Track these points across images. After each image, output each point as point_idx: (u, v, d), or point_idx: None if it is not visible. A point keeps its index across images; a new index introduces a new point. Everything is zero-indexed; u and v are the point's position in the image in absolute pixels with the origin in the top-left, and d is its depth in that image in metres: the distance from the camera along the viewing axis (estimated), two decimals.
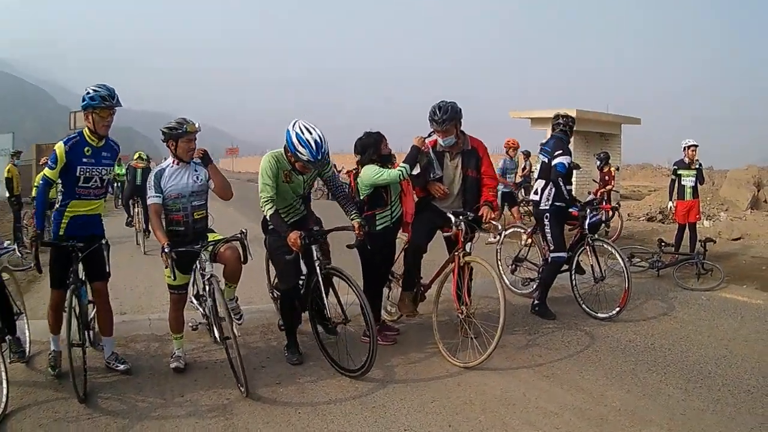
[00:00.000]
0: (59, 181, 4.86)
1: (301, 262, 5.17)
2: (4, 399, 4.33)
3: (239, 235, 4.94)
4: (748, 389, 5.04)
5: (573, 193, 8.69)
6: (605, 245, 7.15)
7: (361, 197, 5.69)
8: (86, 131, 4.86)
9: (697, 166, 10.00)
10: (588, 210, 7.05)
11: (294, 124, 4.93)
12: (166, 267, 4.78)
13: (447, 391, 4.85)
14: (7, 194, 13.96)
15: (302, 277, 5.25)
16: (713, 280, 8.90)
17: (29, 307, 6.10)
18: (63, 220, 4.89)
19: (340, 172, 8.84)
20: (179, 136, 4.96)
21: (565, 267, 7.19)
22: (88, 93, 4.74)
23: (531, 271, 7.85)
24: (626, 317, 7.00)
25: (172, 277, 5.00)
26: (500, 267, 8.25)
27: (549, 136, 7.40)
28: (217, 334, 4.85)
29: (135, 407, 4.58)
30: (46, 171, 4.84)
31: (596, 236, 7.27)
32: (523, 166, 15.58)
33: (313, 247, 4.99)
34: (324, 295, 5.03)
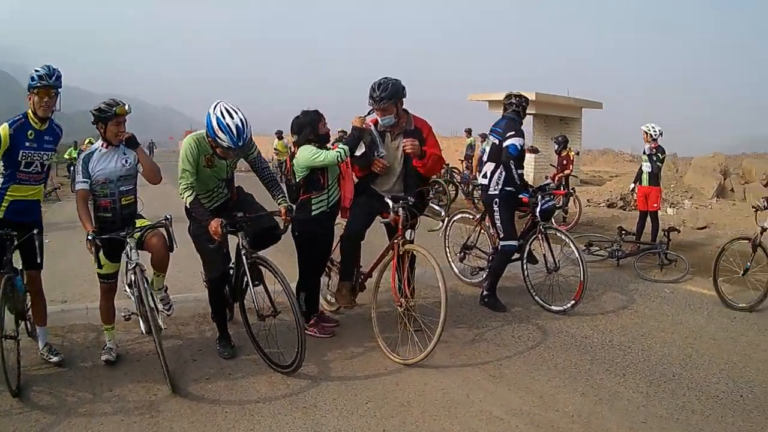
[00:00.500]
0: (1, 163, 4.82)
1: (230, 249, 5.14)
2: None
3: (164, 221, 4.96)
4: (716, 394, 4.83)
5: (530, 177, 8.35)
6: (558, 233, 7.04)
7: (297, 180, 5.64)
8: (29, 113, 4.84)
9: (647, 152, 9.93)
10: (540, 196, 6.93)
11: (215, 106, 4.85)
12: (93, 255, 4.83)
13: (384, 390, 4.73)
14: None
15: (231, 266, 5.21)
16: (677, 271, 8.82)
17: None
18: (3, 204, 4.87)
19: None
20: (109, 118, 4.92)
21: (517, 256, 7.12)
22: (31, 74, 4.75)
23: (480, 260, 7.76)
24: (582, 310, 6.87)
25: (98, 266, 5.04)
26: (448, 255, 8.21)
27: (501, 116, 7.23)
28: (143, 327, 4.84)
29: (65, 402, 4.55)
30: None
31: (549, 224, 7.18)
32: (482, 149, 15.30)
33: (239, 235, 4.96)
34: (252, 285, 4.94)
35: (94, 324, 5.93)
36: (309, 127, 5.60)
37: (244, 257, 4.95)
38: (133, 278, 4.88)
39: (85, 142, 12.39)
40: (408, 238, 5.39)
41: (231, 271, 5.22)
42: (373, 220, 5.81)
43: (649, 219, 10.19)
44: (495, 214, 6.87)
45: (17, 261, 4.93)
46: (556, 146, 14.44)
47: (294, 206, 5.38)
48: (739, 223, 13.61)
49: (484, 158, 7.25)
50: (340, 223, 6.08)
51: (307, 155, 5.49)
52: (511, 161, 6.72)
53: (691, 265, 8.98)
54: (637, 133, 10.09)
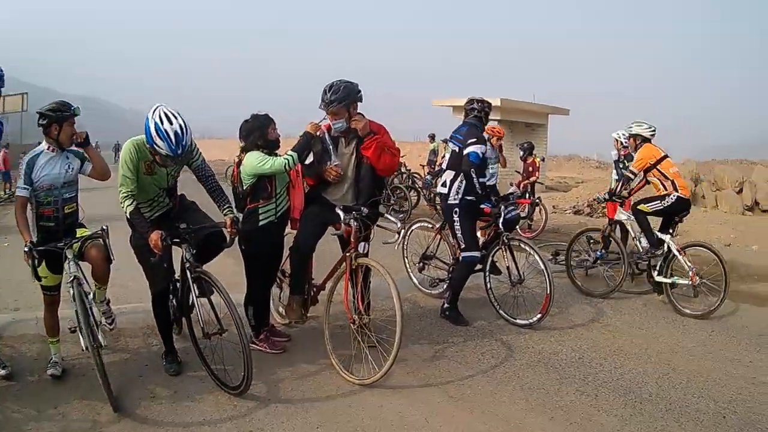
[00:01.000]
0: None
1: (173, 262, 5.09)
2: None
3: (100, 232, 4.92)
4: (696, 417, 4.67)
5: (495, 183, 8.20)
6: (522, 244, 6.93)
7: (244, 188, 5.57)
8: None
9: (615, 158, 10.04)
10: (502, 206, 6.87)
11: (154, 110, 4.68)
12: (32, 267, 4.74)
13: (336, 413, 4.60)
14: None
15: (178, 278, 5.17)
16: None
17: None
18: None
19: None
20: (65, 119, 4.89)
21: (480, 267, 7.06)
22: None
23: (440, 270, 7.69)
24: (550, 324, 6.75)
25: (36, 278, 4.90)
26: (407, 265, 8.13)
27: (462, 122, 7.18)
28: (83, 343, 4.64)
29: (10, 418, 4.49)
30: None
31: (513, 234, 7.12)
32: (443, 155, 15.35)
33: (183, 247, 4.90)
34: (197, 300, 4.87)
35: (44, 335, 5.74)
36: (258, 131, 5.52)
37: (188, 271, 4.86)
38: (71, 292, 4.73)
39: None
40: (361, 251, 5.31)
41: (178, 284, 5.15)
42: (324, 231, 5.71)
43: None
44: (455, 224, 6.80)
45: None
46: (522, 152, 14.42)
47: (240, 217, 5.30)
48: (712, 231, 13.77)
49: (444, 165, 7.18)
50: (291, 233, 5.97)
51: (254, 162, 5.40)
52: (472, 169, 6.64)
53: None
54: (605, 140, 10.30)
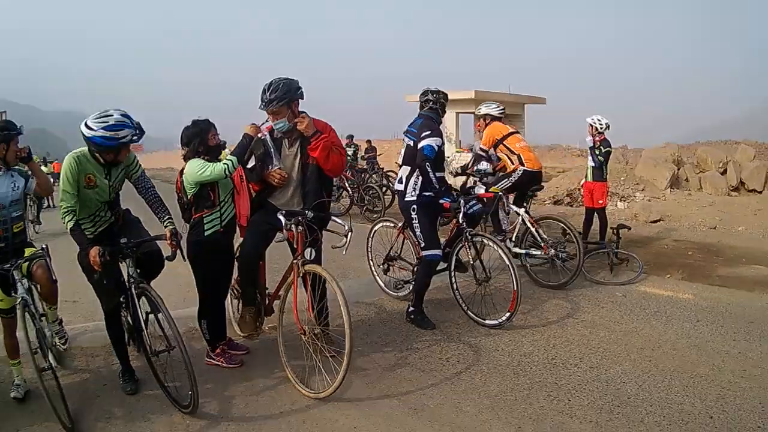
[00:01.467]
0: None
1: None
2: None
3: (40, 252, 5.02)
4: (681, 418, 4.44)
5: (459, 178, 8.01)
6: (486, 240, 6.76)
7: (188, 197, 5.53)
8: None
9: (590, 145, 10.00)
10: (462, 201, 6.76)
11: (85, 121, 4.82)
12: None
13: (290, 430, 4.51)
14: None
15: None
16: (630, 271, 8.65)
17: None
18: None
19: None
20: (12, 137, 5.01)
21: (445, 266, 6.97)
22: None
23: (405, 272, 7.59)
24: (521, 323, 6.61)
25: None
26: (372, 267, 8.09)
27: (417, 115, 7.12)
28: (33, 365, 4.64)
29: None
30: None
31: (476, 230, 7.02)
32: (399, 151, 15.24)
33: (127, 262, 4.91)
34: (142, 317, 4.87)
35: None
36: (198, 138, 5.46)
37: (131, 287, 4.88)
38: (18, 313, 4.86)
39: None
40: (308, 258, 5.20)
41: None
42: (270, 238, 5.69)
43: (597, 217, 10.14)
44: (414, 222, 6.71)
45: None
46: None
47: (176, 230, 5.23)
48: (697, 214, 13.72)
49: (399, 161, 7.13)
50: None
51: (195, 170, 5.35)
52: (428, 163, 6.54)
53: (645, 263, 8.81)
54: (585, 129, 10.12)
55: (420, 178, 6.66)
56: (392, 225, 7.86)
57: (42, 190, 5.48)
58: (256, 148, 5.56)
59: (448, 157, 24.34)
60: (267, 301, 5.99)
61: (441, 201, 6.72)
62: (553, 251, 7.86)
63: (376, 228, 8.15)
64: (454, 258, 6.92)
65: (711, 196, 15.69)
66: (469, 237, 6.73)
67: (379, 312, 7.16)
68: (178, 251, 5.10)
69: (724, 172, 16.92)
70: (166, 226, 5.10)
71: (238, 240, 5.92)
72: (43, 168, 23.21)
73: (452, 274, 6.93)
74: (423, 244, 6.67)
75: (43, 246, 5.06)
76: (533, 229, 8.10)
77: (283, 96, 5.34)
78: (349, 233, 5.30)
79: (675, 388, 4.94)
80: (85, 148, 4.91)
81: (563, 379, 5.14)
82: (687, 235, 12.09)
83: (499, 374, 5.29)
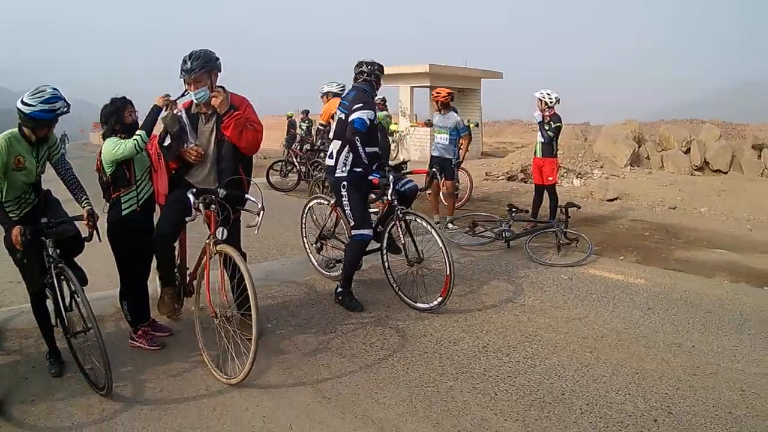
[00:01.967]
0: None
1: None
2: None
3: None
4: (620, 420, 4.17)
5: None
6: (419, 219, 6.69)
7: (107, 176, 5.62)
8: None
9: (539, 119, 10.00)
10: (391, 177, 6.69)
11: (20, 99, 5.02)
12: None
13: (200, 417, 4.47)
14: None
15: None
16: (580, 252, 8.44)
17: None
18: None
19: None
20: None
21: (377, 246, 7.03)
22: None
23: (337, 251, 7.64)
24: (456, 307, 6.45)
25: None
26: (306, 245, 8.15)
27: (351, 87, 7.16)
28: None
29: None
30: None
31: (408, 209, 6.89)
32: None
33: (47, 242, 5.00)
34: (59, 297, 4.99)
35: None
36: (114, 116, 5.56)
37: (51, 267, 4.99)
38: None
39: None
40: (219, 237, 5.21)
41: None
42: (185, 217, 5.67)
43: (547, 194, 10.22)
44: (343, 199, 6.74)
45: None
46: None
47: (93, 210, 5.38)
48: (657, 193, 13.69)
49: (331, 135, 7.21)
50: None
51: (110, 148, 5.46)
52: (357, 137, 6.56)
53: (596, 244, 8.68)
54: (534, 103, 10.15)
55: (351, 153, 6.67)
56: (326, 202, 7.85)
57: None
58: (171, 125, 5.56)
59: (402, 131, 24.76)
60: (187, 281, 6.05)
61: (370, 177, 6.73)
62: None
63: (310, 204, 8.18)
64: (385, 237, 6.91)
65: (673, 175, 15.72)
66: (401, 215, 6.70)
67: (309, 292, 7.08)
68: (95, 232, 5.25)
69: (688, 151, 16.99)
70: (83, 207, 5.29)
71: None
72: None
73: (384, 253, 6.92)
74: (352, 223, 6.70)
75: None
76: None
77: (204, 64, 5.39)
78: (261, 212, 5.31)
79: (617, 384, 4.69)
80: (15, 130, 5.06)
81: (493, 370, 4.93)
82: (645, 215, 12.04)
83: (424, 362, 5.13)
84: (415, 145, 24.21)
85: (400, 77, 24.70)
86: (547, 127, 9.73)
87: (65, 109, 5.11)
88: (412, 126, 24.50)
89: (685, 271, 7.81)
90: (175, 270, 5.99)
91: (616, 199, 13.39)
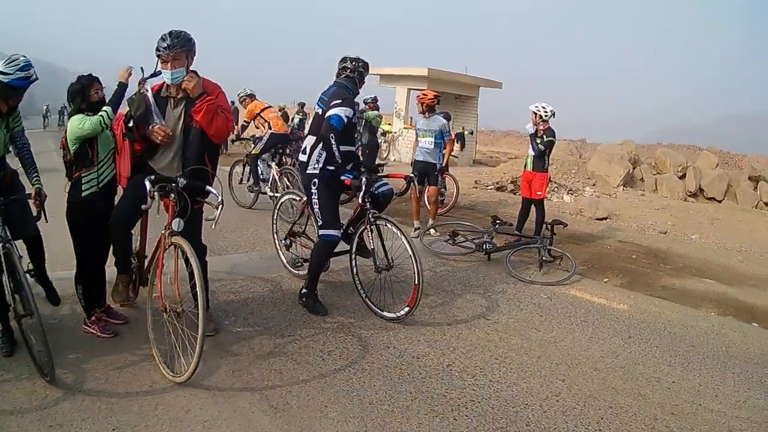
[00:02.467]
0: None
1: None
2: None
3: None
4: None
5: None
6: (389, 225, 6.58)
7: (70, 154, 5.58)
8: None
9: (531, 132, 9.90)
10: (364, 178, 6.56)
11: None
12: None
13: (140, 415, 4.33)
14: None
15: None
16: (563, 271, 8.25)
17: None
18: None
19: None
20: None
21: (347, 248, 6.91)
22: None
23: (307, 249, 7.50)
24: (426, 319, 6.28)
25: None
26: (276, 242, 8.04)
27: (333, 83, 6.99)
28: None
29: None
30: None
31: (380, 213, 6.76)
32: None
33: None
34: (5, 277, 4.98)
35: None
36: (80, 95, 5.54)
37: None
38: None
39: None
40: (175, 228, 5.14)
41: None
42: (143, 204, 5.63)
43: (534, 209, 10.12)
44: (313, 197, 6.61)
45: None
46: None
47: (42, 189, 5.43)
48: (648, 216, 13.59)
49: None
50: None
51: (75, 124, 5.42)
52: (332, 135, 6.43)
53: (580, 264, 8.52)
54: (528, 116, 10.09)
55: (324, 151, 6.57)
56: (298, 199, 7.74)
57: None
58: (137, 106, 5.48)
59: (395, 133, 24.87)
60: (144, 269, 5.94)
61: (342, 177, 6.64)
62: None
63: (282, 200, 8.13)
64: (356, 240, 6.80)
65: (666, 199, 15.69)
66: (372, 219, 6.57)
67: (273, 291, 6.92)
68: (42, 212, 5.30)
69: (683, 177, 16.98)
70: (33, 185, 5.34)
71: None
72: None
73: (353, 257, 6.80)
74: (320, 223, 6.60)
75: None
76: (277, 178, 11.30)
77: (185, 43, 5.34)
78: (220, 206, 5.19)
79: (587, 418, 4.45)
80: None
81: (455, 392, 4.70)
82: (634, 237, 11.92)
83: (382, 377, 4.92)
84: (407, 147, 24.18)
85: (397, 78, 24.86)
86: (539, 140, 9.58)
87: (36, 76, 5.19)
88: (405, 128, 24.63)
89: (671, 299, 7.58)
90: (132, 257, 5.90)
91: (605, 218, 13.30)
